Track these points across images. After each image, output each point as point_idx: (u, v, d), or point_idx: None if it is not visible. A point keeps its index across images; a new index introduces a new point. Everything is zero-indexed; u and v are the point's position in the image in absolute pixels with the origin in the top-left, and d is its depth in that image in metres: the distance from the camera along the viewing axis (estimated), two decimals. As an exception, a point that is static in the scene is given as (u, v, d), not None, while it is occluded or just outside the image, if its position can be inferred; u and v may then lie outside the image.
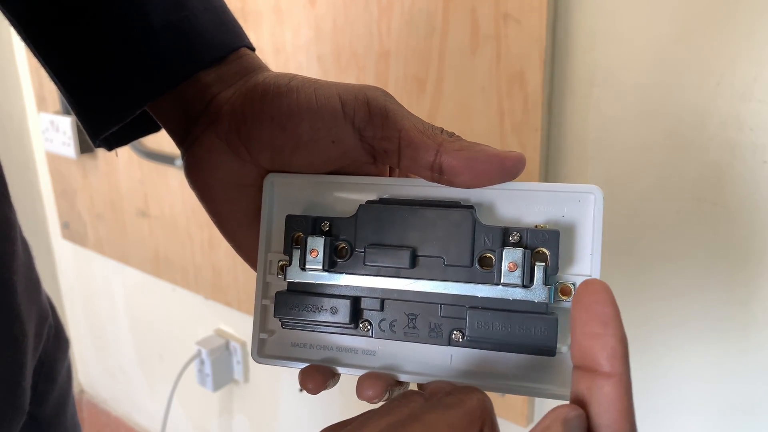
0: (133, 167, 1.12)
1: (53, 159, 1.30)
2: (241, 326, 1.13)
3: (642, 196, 0.59)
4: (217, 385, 1.16)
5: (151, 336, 1.33)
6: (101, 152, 1.18)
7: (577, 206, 0.29)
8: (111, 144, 0.38)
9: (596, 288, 0.22)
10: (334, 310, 0.31)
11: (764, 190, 0.53)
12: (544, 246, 0.28)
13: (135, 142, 0.99)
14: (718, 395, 0.60)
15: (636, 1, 0.55)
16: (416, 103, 0.69)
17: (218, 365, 1.14)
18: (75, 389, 1.57)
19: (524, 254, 0.28)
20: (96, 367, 1.53)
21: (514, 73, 0.61)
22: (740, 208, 0.55)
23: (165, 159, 1.03)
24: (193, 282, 1.10)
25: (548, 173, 0.64)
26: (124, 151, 1.11)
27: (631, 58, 0.57)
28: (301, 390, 0.32)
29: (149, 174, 1.09)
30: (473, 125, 0.65)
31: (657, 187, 0.58)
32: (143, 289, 1.28)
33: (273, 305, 0.32)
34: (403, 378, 0.30)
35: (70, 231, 1.34)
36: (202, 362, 1.14)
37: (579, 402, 0.22)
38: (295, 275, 0.32)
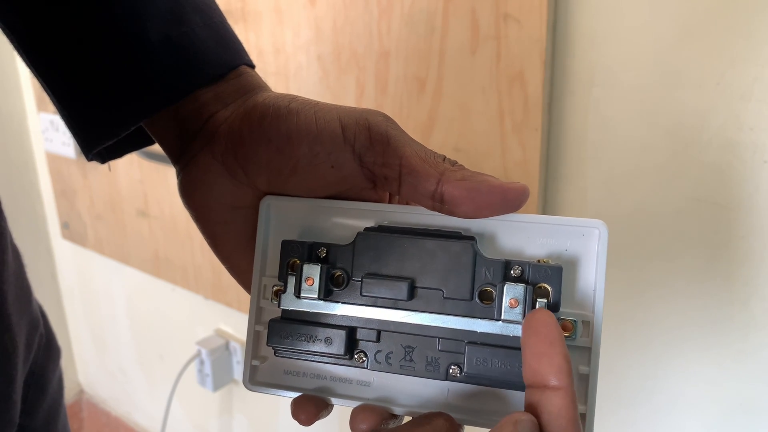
0: (133, 167, 1.12)
1: (53, 159, 1.30)
2: (241, 326, 1.13)
3: (642, 196, 0.59)
4: (217, 385, 1.16)
5: (151, 336, 1.33)
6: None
7: (581, 240, 0.29)
8: (104, 157, 0.37)
9: (542, 315, 0.25)
10: (329, 341, 0.30)
11: (764, 190, 0.53)
12: (546, 282, 0.28)
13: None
14: (717, 395, 0.60)
15: (636, 1, 0.55)
16: (416, 103, 0.69)
17: (218, 365, 1.14)
18: (75, 389, 1.57)
19: (526, 290, 0.27)
20: (96, 367, 1.53)
21: (514, 73, 0.61)
22: (740, 208, 0.55)
23: (165, 159, 1.02)
24: (193, 282, 1.10)
25: (548, 173, 0.64)
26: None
27: (631, 58, 0.57)
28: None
29: (149, 174, 1.09)
30: (473, 125, 0.65)
31: (657, 187, 0.58)
32: (143, 289, 1.28)
33: (266, 332, 0.32)
34: (397, 411, 0.30)
35: (70, 231, 1.34)
36: (202, 362, 1.14)
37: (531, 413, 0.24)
38: (290, 303, 0.31)
